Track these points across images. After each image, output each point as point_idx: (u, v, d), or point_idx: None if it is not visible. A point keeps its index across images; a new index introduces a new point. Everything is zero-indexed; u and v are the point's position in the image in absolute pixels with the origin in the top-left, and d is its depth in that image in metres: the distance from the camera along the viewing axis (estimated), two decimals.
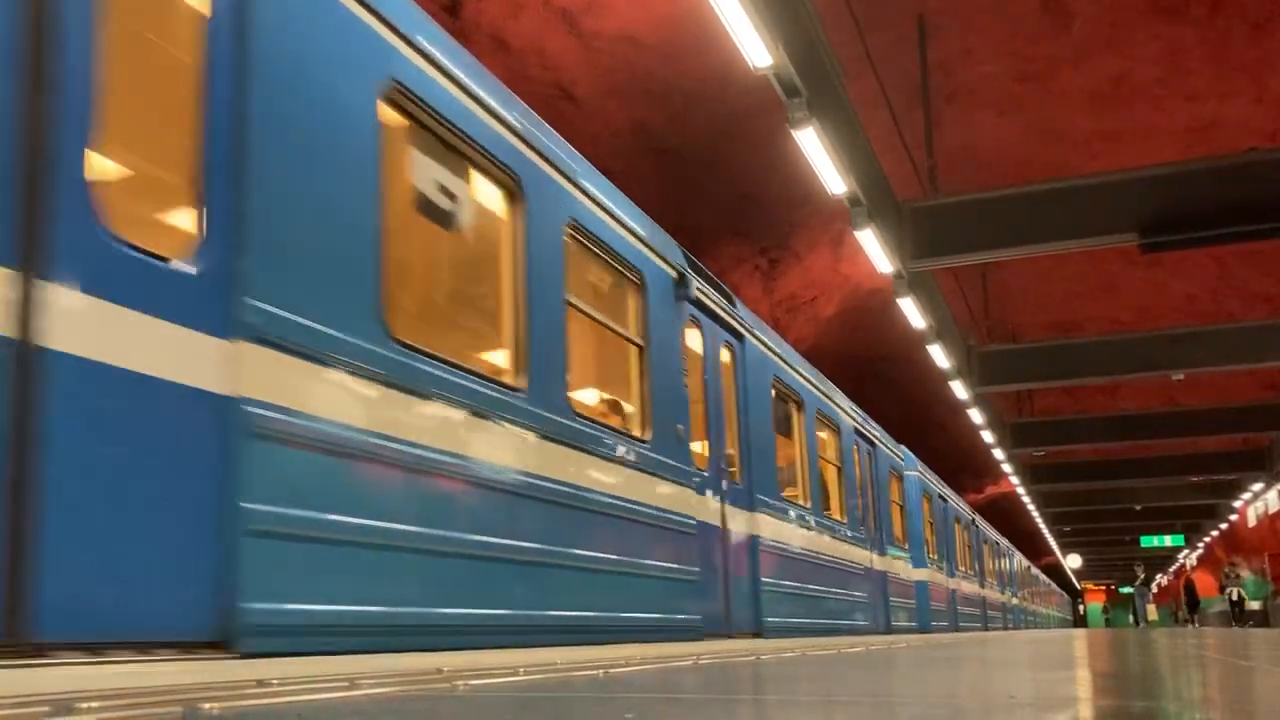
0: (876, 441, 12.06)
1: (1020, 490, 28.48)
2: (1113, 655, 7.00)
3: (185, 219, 3.16)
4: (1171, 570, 59.19)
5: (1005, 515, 40.03)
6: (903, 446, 14.75)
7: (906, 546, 13.51)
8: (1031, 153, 14.31)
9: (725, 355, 7.29)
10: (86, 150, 2.73)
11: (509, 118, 4.66)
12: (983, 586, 20.61)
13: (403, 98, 3.97)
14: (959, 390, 15.77)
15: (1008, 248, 10.20)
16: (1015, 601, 26.82)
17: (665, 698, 2.99)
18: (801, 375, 9.01)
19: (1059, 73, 12.39)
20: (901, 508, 13.65)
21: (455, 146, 4.34)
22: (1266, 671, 4.71)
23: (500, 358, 4.74)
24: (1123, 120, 13.37)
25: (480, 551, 4.12)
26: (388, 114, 3.90)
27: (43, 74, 2.64)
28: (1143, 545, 46.65)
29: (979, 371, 15.84)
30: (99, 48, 2.79)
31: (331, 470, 3.45)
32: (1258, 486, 29.45)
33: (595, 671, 4.04)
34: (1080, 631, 25.92)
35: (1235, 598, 28.27)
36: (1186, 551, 50.71)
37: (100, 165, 3.09)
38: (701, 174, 13.40)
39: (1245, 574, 29.44)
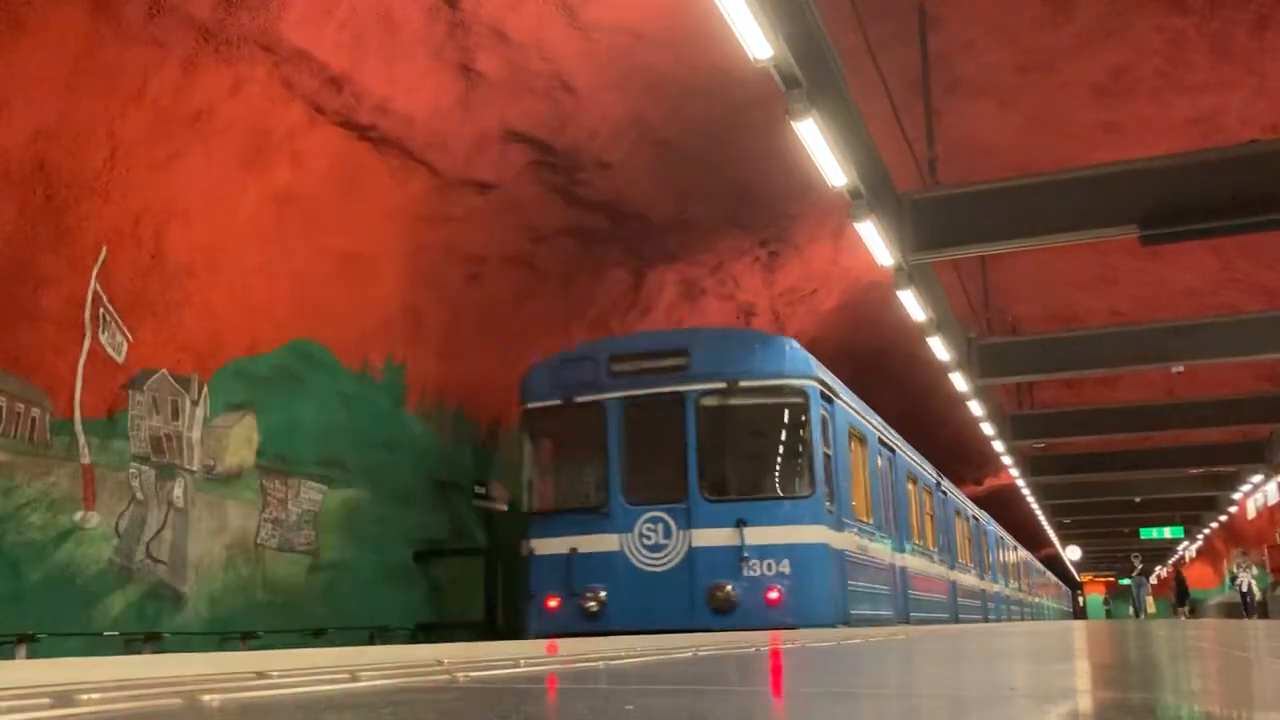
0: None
1: (1020, 482, 28.48)
2: (1111, 647, 7.02)
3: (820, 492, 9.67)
4: (1171, 562, 59.24)
5: (1005, 507, 40.03)
6: (985, 514, 23.14)
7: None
8: (1032, 144, 14.28)
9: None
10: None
11: (890, 434, 13.54)
12: (1008, 586, 26.66)
13: (855, 439, 11.24)
14: (959, 383, 15.77)
15: (1008, 240, 10.18)
16: (1026, 599, 31.86)
17: (664, 689, 2.99)
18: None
19: (1060, 64, 12.34)
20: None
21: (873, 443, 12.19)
22: (1264, 664, 4.72)
23: (864, 512, 11.38)
24: (1124, 112, 13.33)
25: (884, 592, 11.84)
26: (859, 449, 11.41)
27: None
28: (1142, 537, 46.67)
29: (979, 364, 15.83)
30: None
31: (871, 565, 11.07)
32: (1257, 478, 29.45)
33: (596, 663, 4.05)
34: (1080, 623, 25.96)
35: (1246, 588, 27.92)
36: (1186, 544, 50.73)
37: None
38: (701, 166, 13.37)
39: (1252, 565, 29.23)
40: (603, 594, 9.47)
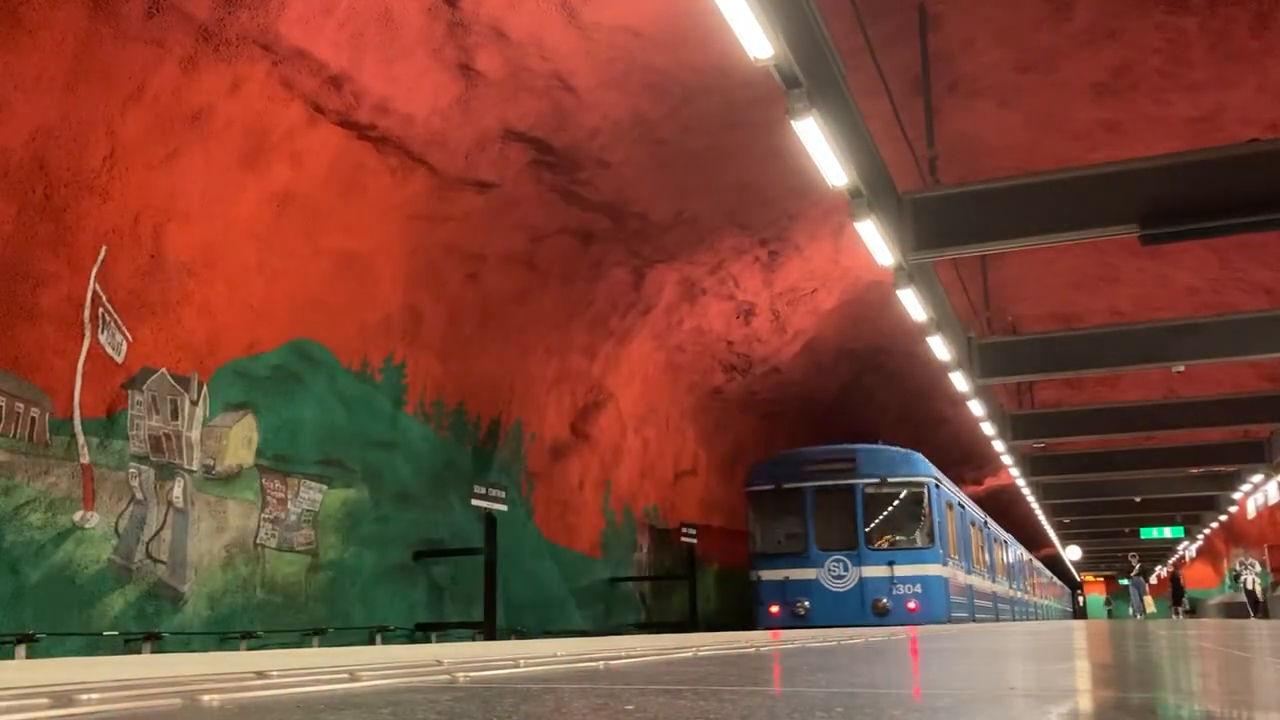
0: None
1: (1020, 482, 28.48)
2: (1111, 647, 7.01)
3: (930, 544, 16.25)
4: (1171, 562, 59.21)
5: (1005, 507, 39.96)
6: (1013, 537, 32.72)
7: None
8: (1032, 143, 14.27)
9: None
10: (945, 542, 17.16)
11: (963, 497, 20.31)
12: (1025, 593, 33.06)
13: (949, 507, 17.62)
14: (959, 382, 15.76)
15: (1008, 240, 10.16)
16: (1036, 600, 37.69)
17: (664, 689, 2.99)
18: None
19: (1060, 63, 12.33)
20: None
21: (957, 508, 18.89)
22: (1264, 663, 4.71)
23: (954, 552, 18.01)
24: (1124, 111, 13.32)
25: (963, 598, 18.43)
26: (950, 513, 17.89)
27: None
28: (1142, 537, 46.64)
29: (979, 363, 15.82)
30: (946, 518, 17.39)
31: (959, 585, 17.66)
32: (1258, 478, 29.41)
33: (595, 663, 4.05)
34: (1079, 623, 25.98)
35: (1250, 586, 27.61)
36: (1186, 543, 50.69)
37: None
38: (701, 165, 13.37)
39: (1256, 563, 28.90)
40: (806, 604, 15.57)
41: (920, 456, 16.56)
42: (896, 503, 16.21)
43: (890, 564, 15.60)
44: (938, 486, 16.67)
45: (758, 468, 17.11)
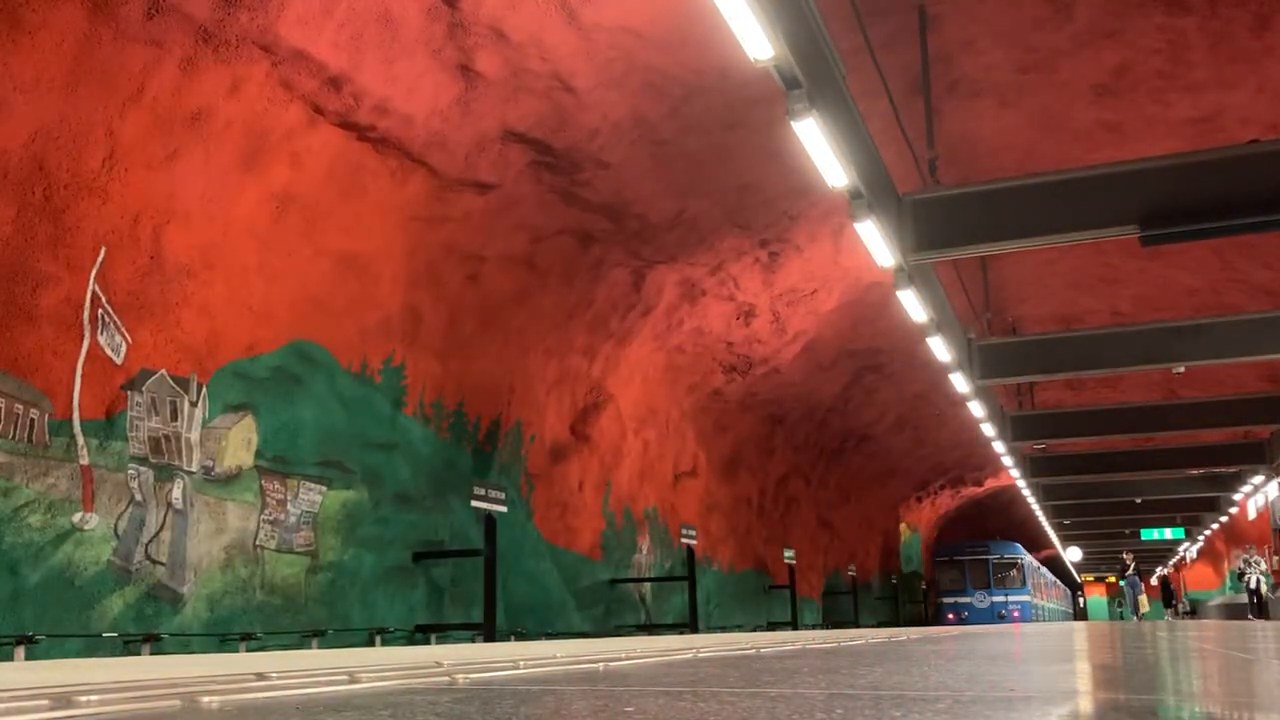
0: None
1: (1020, 483, 28.47)
2: (1112, 649, 7.01)
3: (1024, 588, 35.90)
4: (1172, 563, 59.17)
5: (1005, 507, 39.98)
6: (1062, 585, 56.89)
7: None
8: (1033, 144, 14.26)
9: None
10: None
11: (1032, 560, 40.51)
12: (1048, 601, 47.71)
13: (1031, 566, 38.24)
14: (959, 383, 15.75)
15: (1008, 240, 10.15)
16: (1050, 604, 50.17)
17: (664, 691, 2.98)
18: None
19: (1060, 64, 12.31)
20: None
21: (1034, 566, 40.24)
22: (1266, 665, 4.70)
23: (1034, 588, 39.04)
24: (1124, 111, 13.30)
25: (1036, 611, 38.44)
26: (1031, 569, 38.44)
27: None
28: (1143, 538, 46.64)
29: (979, 364, 15.82)
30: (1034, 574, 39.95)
31: (1034, 604, 37.32)
32: (1258, 479, 29.40)
33: (595, 665, 4.05)
34: (1081, 624, 25.98)
35: (1254, 585, 27.19)
36: (1187, 544, 50.68)
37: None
38: (701, 165, 13.36)
39: (1260, 560, 28.41)
40: (965, 614, 33.95)
41: (1020, 545, 35.70)
42: (1007, 567, 34.25)
43: (1006, 595, 33.71)
44: (1026, 558, 34.73)
45: (938, 549, 36.03)
